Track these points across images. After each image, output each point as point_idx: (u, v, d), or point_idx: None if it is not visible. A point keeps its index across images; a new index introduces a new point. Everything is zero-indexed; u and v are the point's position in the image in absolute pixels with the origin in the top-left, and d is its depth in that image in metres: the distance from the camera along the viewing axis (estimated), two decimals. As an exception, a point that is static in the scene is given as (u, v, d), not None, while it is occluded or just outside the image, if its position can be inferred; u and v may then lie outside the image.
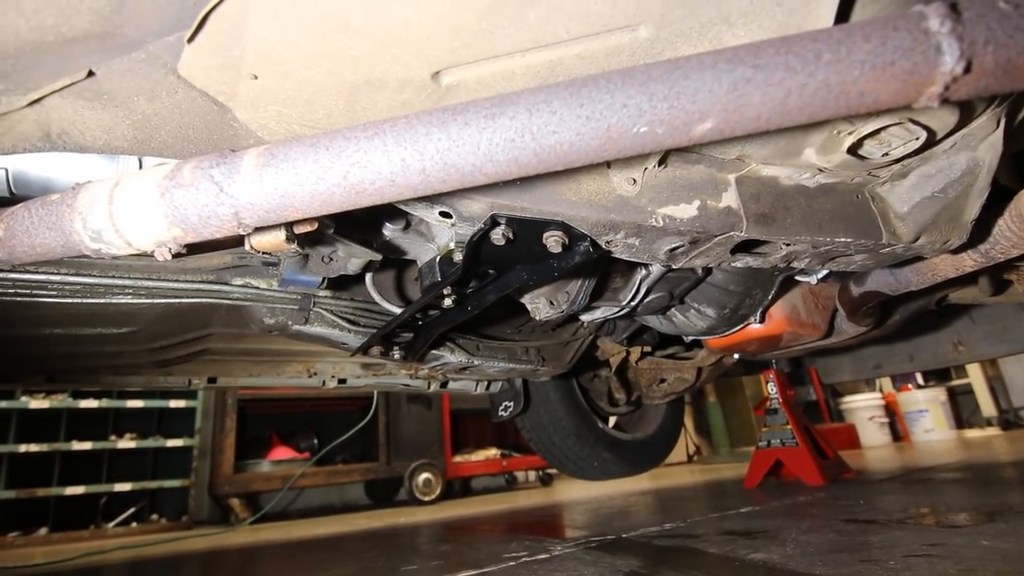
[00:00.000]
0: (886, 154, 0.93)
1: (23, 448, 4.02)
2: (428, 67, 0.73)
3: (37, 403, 4.12)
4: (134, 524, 4.25)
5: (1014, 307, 2.65)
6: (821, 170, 0.98)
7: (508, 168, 0.62)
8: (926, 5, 0.55)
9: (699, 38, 0.73)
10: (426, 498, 4.75)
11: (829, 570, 1.14)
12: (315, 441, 4.92)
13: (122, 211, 0.69)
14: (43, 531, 3.97)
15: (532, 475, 5.90)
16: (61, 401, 4.19)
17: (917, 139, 0.89)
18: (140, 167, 1.04)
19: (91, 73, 0.68)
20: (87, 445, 4.22)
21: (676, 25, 0.71)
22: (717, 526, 1.81)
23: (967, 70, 0.54)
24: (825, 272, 1.54)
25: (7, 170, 0.97)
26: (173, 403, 4.52)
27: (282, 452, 4.70)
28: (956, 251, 1.20)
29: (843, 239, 1.00)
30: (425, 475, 4.84)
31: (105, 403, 4.34)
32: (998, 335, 2.92)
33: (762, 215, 0.95)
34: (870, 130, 0.86)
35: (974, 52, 0.54)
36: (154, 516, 4.37)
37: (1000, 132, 0.95)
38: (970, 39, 0.53)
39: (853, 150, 0.90)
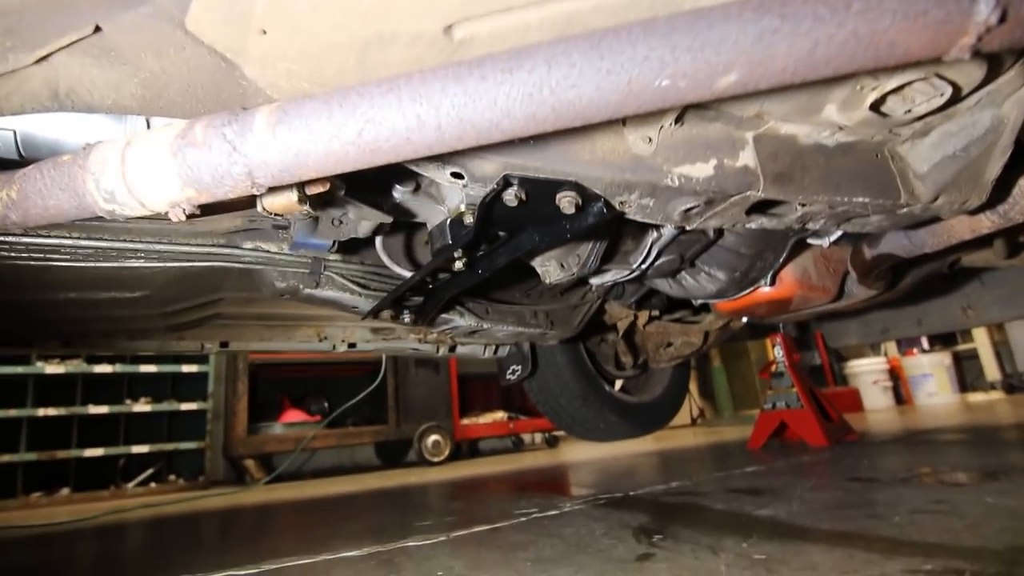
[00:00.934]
0: (909, 111, 0.90)
1: (41, 412, 4.12)
2: (441, 20, 0.71)
3: (52, 368, 4.19)
4: (153, 484, 4.38)
5: (1026, 271, 2.62)
6: (841, 128, 0.96)
7: (525, 124, 0.60)
8: (964, -52, 0.53)
9: (721, -13, 0.71)
10: (435, 459, 4.86)
11: (836, 525, 1.16)
12: (326, 404, 5.01)
13: (135, 171, 0.68)
14: (65, 491, 4.10)
15: (539, 437, 6.00)
16: (76, 366, 4.26)
17: (942, 95, 0.87)
18: (148, 128, 1.03)
19: (98, 28, 0.67)
20: (103, 409, 4.31)
21: (698, -26, 0.69)
22: (723, 484, 1.85)
23: (1002, 19, 0.53)
24: (839, 234, 1.53)
25: (15, 132, 0.96)
26: (185, 368, 4.60)
27: (294, 415, 4.79)
28: (974, 212, 1.19)
29: (861, 199, 0.99)
30: (434, 437, 4.94)
31: (119, 368, 4.41)
32: (1008, 299, 2.90)
33: (780, 174, 0.93)
34: (894, 86, 0.84)
35: (1009, 1, 0.52)
36: (172, 477, 4.50)
37: (1027, 87, 0.93)
38: (1007, -14, 0.51)
39: (875, 107, 0.88)
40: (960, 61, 0.79)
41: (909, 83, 0.84)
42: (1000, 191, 1.16)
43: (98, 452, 4.23)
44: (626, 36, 0.56)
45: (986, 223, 1.26)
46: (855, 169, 0.99)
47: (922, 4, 0.53)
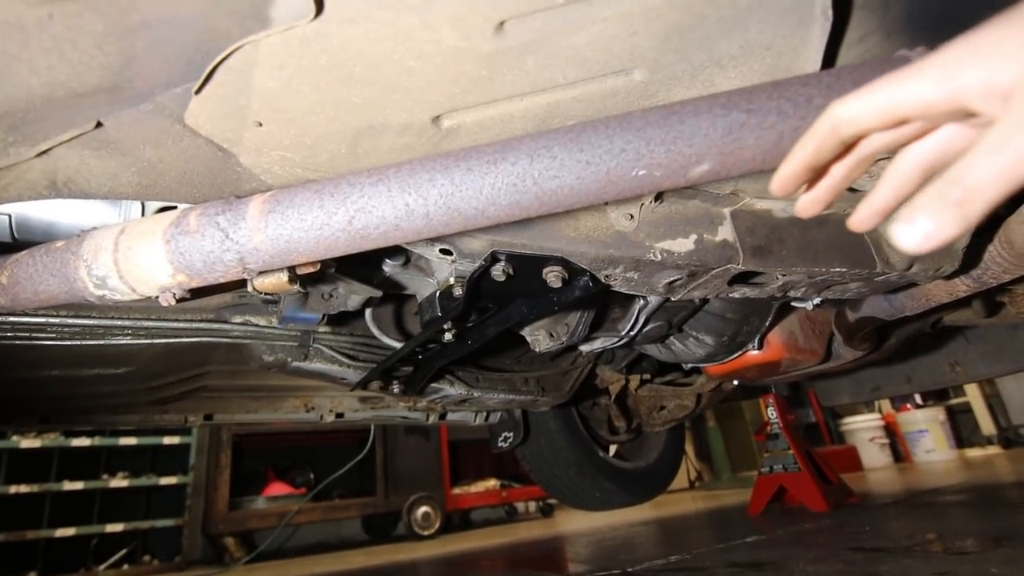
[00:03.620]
0: (876, 186, 0.95)
1: (12, 489, 3.93)
2: (429, 112, 0.75)
3: (28, 442, 4.04)
4: (126, 566, 4.14)
5: (1008, 328, 2.66)
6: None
7: (510, 211, 0.63)
8: (910, 50, 0.57)
9: (691, 80, 0.76)
10: (425, 532, 4.66)
11: (839, 603, 1.12)
12: (311, 476, 4.84)
13: (127, 258, 0.69)
14: (32, 575, 3.86)
15: (532, 506, 5.80)
16: (53, 440, 4.12)
17: (906, 171, 0.92)
18: (143, 211, 1.05)
19: (99, 124, 0.70)
20: (79, 485, 4.13)
21: (669, 69, 0.74)
22: (723, 558, 1.79)
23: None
24: (820, 299, 1.56)
25: (10, 216, 0.98)
26: (167, 440, 4.45)
27: (278, 488, 4.61)
28: (949, 277, 1.22)
29: (838, 269, 1.02)
30: (424, 508, 4.76)
31: (98, 441, 4.26)
32: (994, 355, 2.93)
33: (758, 247, 0.97)
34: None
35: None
36: (146, 557, 4.26)
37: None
38: (954, 82, 0.55)
39: (844, 183, 0.92)
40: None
41: (875, 161, 0.89)
42: (972, 256, 1.21)
43: (70, 532, 4.01)
44: (603, 129, 0.59)
45: (962, 287, 1.29)
46: (831, 240, 1.03)
47: (877, 99, 0.57)
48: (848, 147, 0.50)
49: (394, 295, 1.34)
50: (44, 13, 0.53)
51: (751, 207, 0.98)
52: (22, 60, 0.57)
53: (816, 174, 0.52)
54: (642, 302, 1.42)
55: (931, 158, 0.48)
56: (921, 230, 0.40)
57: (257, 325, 1.40)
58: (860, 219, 0.54)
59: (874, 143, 0.49)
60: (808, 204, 0.57)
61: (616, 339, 1.53)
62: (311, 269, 0.85)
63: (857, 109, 0.45)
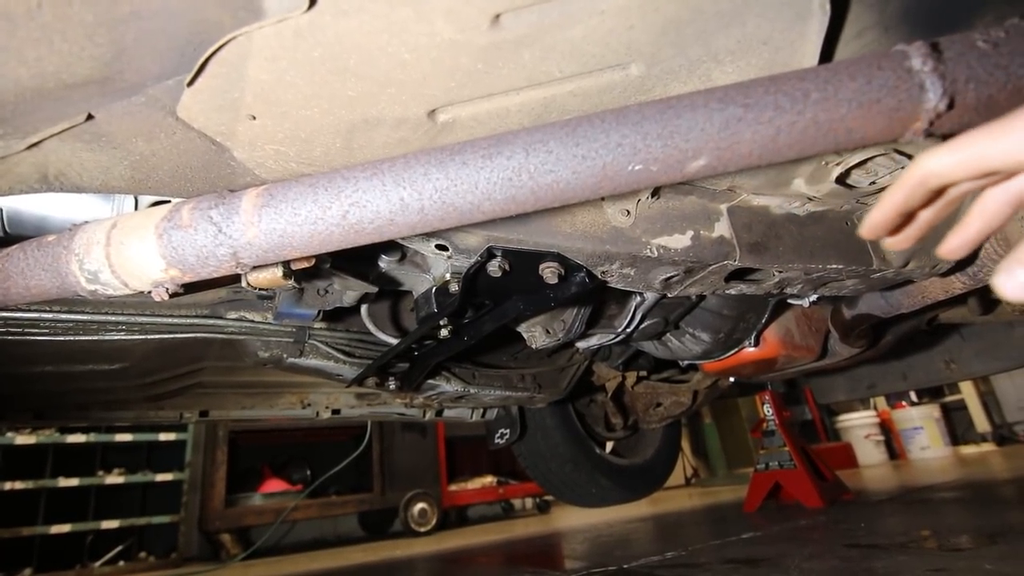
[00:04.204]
0: (873, 183, 0.95)
1: (8, 486, 3.92)
2: (424, 106, 0.74)
3: (23, 439, 4.03)
4: (121, 563, 4.13)
5: (1003, 325, 2.67)
6: (810, 199, 1.00)
7: (505, 206, 0.62)
8: (907, 45, 0.57)
9: (688, 75, 0.75)
10: (422, 529, 4.66)
11: (834, 599, 1.12)
12: (308, 472, 4.83)
13: (119, 252, 0.68)
14: (27, 572, 3.85)
15: (529, 502, 5.81)
16: (48, 436, 4.10)
17: (903, 168, 0.92)
18: (136, 205, 1.04)
19: (90, 116, 0.69)
20: (74, 481, 4.12)
21: (666, 63, 0.73)
22: (719, 554, 1.79)
23: (950, 107, 0.56)
24: (817, 296, 1.56)
25: (1, 210, 0.97)
26: (163, 436, 4.44)
27: (274, 484, 4.60)
28: (945, 274, 1.22)
29: (834, 266, 1.02)
30: (420, 505, 4.76)
31: (93, 438, 4.25)
32: (989, 352, 2.94)
33: (754, 244, 0.96)
34: (857, 161, 0.88)
35: (956, 89, 0.56)
36: (142, 554, 4.25)
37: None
38: (952, 77, 0.55)
39: (841, 180, 0.92)
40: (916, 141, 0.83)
41: (871, 158, 0.89)
42: (969, 254, 1.21)
43: (65, 528, 4.00)
44: (600, 124, 0.59)
45: (958, 284, 1.29)
46: (827, 237, 1.03)
47: (875, 93, 0.56)
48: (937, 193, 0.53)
49: (390, 291, 1.34)
50: (33, 2, 0.53)
51: (748, 203, 0.98)
52: (10, 50, 0.56)
53: (904, 220, 0.56)
54: (639, 298, 1.42)
55: (1020, 195, 0.50)
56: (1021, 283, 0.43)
57: (252, 321, 1.40)
58: (950, 248, 0.56)
59: (962, 188, 0.52)
60: (895, 243, 0.61)
61: (613, 336, 1.53)
62: (306, 264, 0.84)
63: (947, 163, 0.47)
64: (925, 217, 0.57)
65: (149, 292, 0.73)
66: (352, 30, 0.61)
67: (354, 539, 4.91)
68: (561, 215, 0.91)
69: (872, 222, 0.55)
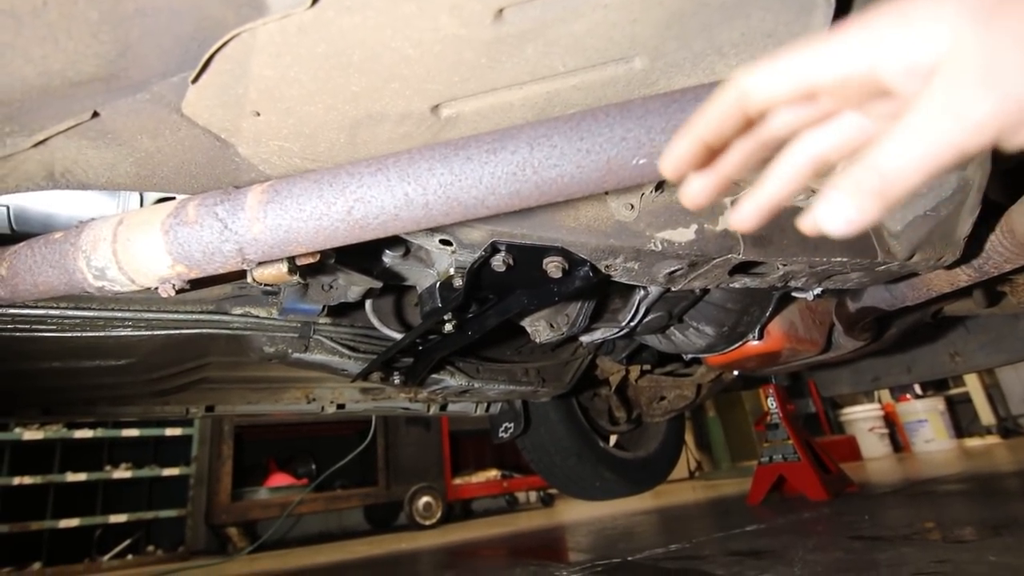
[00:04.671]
0: (878, 175, 0.94)
1: (16, 481, 3.96)
2: (428, 101, 0.74)
3: (31, 434, 4.06)
4: (129, 556, 4.17)
5: (1008, 317, 2.66)
6: (814, 191, 1.00)
7: (510, 200, 0.62)
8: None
9: (692, 68, 0.75)
10: (427, 522, 4.69)
11: (838, 591, 1.13)
12: (313, 466, 4.86)
13: (126, 249, 0.69)
14: (37, 566, 3.89)
15: (533, 496, 5.83)
16: (55, 432, 4.13)
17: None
18: (142, 202, 1.04)
19: (96, 114, 0.69)
20: (82, 476, 4.15)
21: (670, 56, 0.73)
22: (723, 546, 1.80)
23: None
24: (821, 289, 1.56)
25: (8, 207, 0.97)
26: (169, 431, 4.47)
27: (280, 479, 4.63)
28: (950, 267, 1.22)
29: (839, 259, 1.01)
30: (425, 499, 4.78)
31: (100, 433, 4.28)
32: (993, 345, 2.93)
33: (759, 237, 0.96)
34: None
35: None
36: (150, 547, 4.29)
37: (987, 152, 0.97)
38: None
39: (846, 172, 0.92)
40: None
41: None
42: (974, 246, 1.20)
43: (74, 522, 4.03)
44: (604, 118, 0.59)
45: (963, 276, 1.29)
46: (832, 230, 1.02)
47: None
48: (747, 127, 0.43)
49: (394, 286, 1.34)
50: (39, 1, 0.53)
51: (752, 196, 0.98)
52: (16, 48, 0.56)
53: (709, 157, 0.45)
54: (642, 292, 1.42)
55: (825, 150, 0.42)
56: (843, 215, 0.36)
57: (257, 316, 1.40)
58: (743, 217, 0.45)
59: (778, 123, 0.43)
60: (696, 192, 0.48)
61: (616, 330, 1.53)
62: (310, 260, 0.85)
63: (770, 75, 0.39)
64: (735, 156, 0.46)
65: (155, 288, 0.73)
66: (356, 25, 0.61)
67: (359, 532, 4.94)
68: (565, 209, 0.91)
69: (674, 152, 0.44)
